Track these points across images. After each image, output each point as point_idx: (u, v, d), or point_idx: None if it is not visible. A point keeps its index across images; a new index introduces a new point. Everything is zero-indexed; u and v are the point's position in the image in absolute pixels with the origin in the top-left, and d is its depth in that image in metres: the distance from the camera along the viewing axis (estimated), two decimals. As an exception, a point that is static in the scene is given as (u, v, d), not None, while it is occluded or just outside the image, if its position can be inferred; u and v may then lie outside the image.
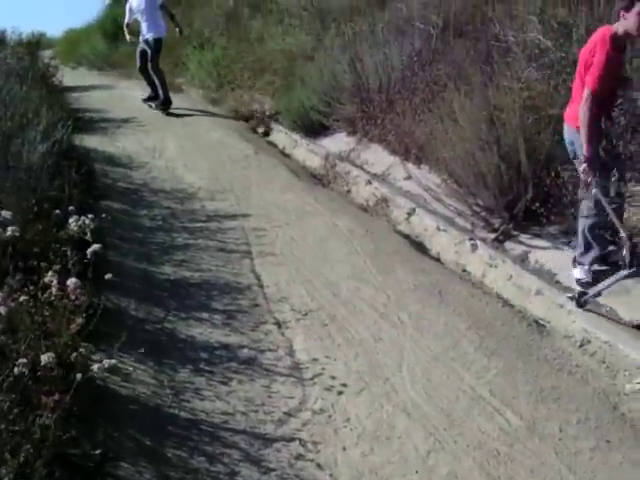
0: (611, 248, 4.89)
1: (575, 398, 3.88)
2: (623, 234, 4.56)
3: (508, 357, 4.29)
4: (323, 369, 4.32)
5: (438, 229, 6.17)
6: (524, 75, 6.36)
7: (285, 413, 3.92)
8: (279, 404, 4.00)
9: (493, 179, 5.68)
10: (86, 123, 10.78)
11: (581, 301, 4.64)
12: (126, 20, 11.58)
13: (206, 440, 3.68)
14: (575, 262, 4.95)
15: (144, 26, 11.18)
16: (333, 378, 4.22)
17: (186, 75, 13.70)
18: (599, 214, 4.69)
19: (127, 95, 13.66)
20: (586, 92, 4.44)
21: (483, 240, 5.77)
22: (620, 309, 4.55)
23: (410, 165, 7.37)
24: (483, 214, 6.02)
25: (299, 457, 3.59)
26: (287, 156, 9.35)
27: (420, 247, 6.11)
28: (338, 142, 8.83)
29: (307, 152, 9.13)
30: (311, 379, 4.23)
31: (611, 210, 4.52)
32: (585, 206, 4.81)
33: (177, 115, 11.45)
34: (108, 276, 3.80)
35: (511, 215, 5.74)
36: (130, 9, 11.35)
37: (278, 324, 4.86)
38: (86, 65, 19.76)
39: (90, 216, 4.13)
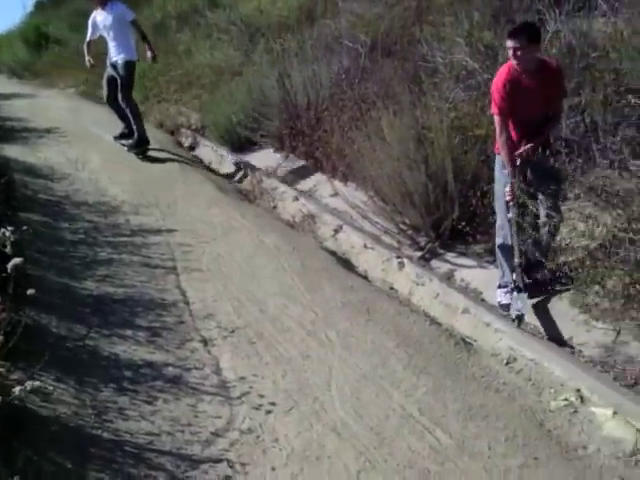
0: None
1: (503, 416, 3.91)
2: (516, 260, 4.74)
3: (437, 375, 4.30)
4: (251, 388, 4.25)
5: (365, 247, 6.18)
6: (451, 96, 6.46)
7: (212, 433, 3.84)
8: (206, 424, 3.92)
9: (420, 198, 5.74)
10: (6, 132, 10.52)
11: (522, 321, 4.72)
12: (87, 37, 9.25)
13: (130, 462, 3.57)
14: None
15: (112, 47, 8.89)
16: (261, 397, 4.16)
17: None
18: (507, 234, 4.85)
19: (50, 105, 13.37)
20: (494, 118, 4.71)
21: (410, 258, 5.81)
22: (544, 327, 4.64)
23: (337, 182, 7.40)
24: (410, 232, 6.08)
25: (227, 479, 3.51)
26: (213, 171, 9.25)
27: (347, 264, 6.10)
28: (265, 158, 8.80)
29: (234, 168, 9.06)
30: (239, 398, 4.15)
31: (515, 233, 4.66)
32: (496, 227, 4.95)
33: (102, 126, 11.17)
34: (31, 291, 3.66)
35: (437, 234, 5.82)
36: (93, 24, 9.05)
37: (204, 341, 4.78)
38: (6, 73, 19.37)
39: (10, 228, 3.99)
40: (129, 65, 8.92)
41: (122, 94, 8.91)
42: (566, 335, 4.54)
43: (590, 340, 4.42)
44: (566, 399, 4.00)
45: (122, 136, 9.58)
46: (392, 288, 5.65)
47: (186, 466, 3.58)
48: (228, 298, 5.38)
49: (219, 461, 3.64)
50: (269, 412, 4.03)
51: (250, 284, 5.60)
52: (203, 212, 7.26)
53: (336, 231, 6.64)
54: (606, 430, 3.74)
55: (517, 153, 4.73)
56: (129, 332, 4.85)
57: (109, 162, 9.10)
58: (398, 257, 5.81)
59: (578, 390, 4.01)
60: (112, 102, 9.20)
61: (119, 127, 9.62)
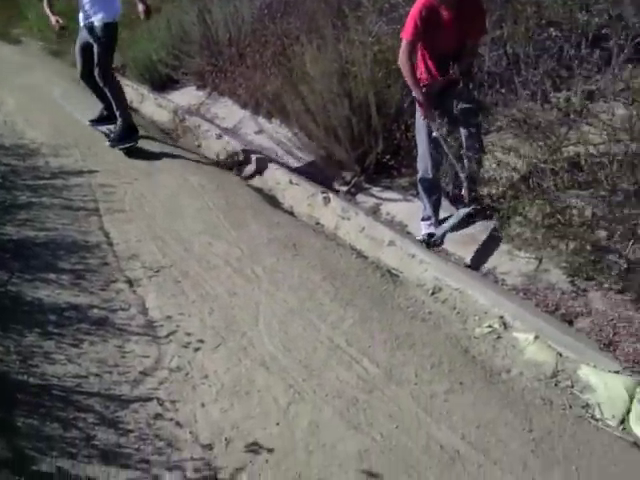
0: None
1: (429, 344, 3.98)
2: (461, 173, 4.79)
3: (363, 307, 4.34)
4: (178, 326, 4.24)
5: (290, 182, 6.14)
6: (375, 29, 6.40)
7: (141, 373, 3.84)
8: (134, 364, 3.91)
9: (344, 132, 5.71)
10: None
11: (430, 242, 4.86)
12: None
13: (59, 405, 3.55)
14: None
15: (85, 4, 6.59)
16: (189, 335, 4.16)
17: (24, 25, 12.94)
18: (427, 167, 4.86)
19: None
20: (403, 43, 4.60)
21: (335, 193, 5.80)
22: (468, 257, 4.71)
23: (261, 119, 7.32)
24: (335, 167, 6.05)
25: (157, 416, 3.53)
26: (134, 110, 9.01)
27: (273, 201, 6.07)
28: (187, 96, 8.66)
29: (155, 106, 8.86)
30: (166, 337, 4.14)
31: (448, 147, 4.68)
32: (417, 160, 4.96)
33: (16, 67, 10.74)
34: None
35: (362, 168, 5.81)
36: None
37: (129, 282, 4.73)
38: None
39: None
40: (109, 28, 6.62)
41: (99, 67, 6.66)
42: (490, 265, 4.61)
43: (513, 269, 4.50)
44: (490, 326, 4.09)
45: (101, 120, 7.50)
46: (318, 223, 5.64)
47: (115, 406, 3.57)
48: (152, 238, 5.31)
49: (149, 400, 3.64)
50: (197, 349, 4.03)
51: (174, 223, 5.54)
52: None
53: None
54: (528, 354, 3.85)
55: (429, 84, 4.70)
56: (52, 276, 4.77)
57: (25, 104, 8.83)
58: (324, 192, 5.78)
59: (501, 317, 4.11)
60: (88, 78, 6.94)
61: (38, 72, 8.97)
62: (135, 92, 9.48)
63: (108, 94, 6.90)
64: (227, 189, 6.16)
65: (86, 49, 6.73)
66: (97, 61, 6.63)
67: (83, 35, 6.73)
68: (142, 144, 7.16)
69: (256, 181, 6.47)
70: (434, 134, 4.70)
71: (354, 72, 5.77)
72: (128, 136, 7.05)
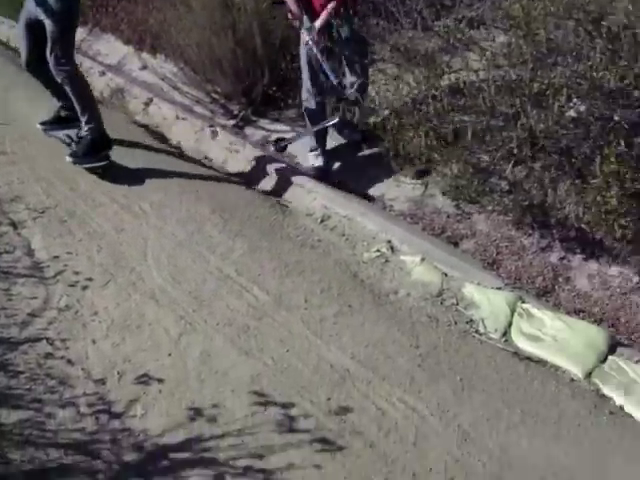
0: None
1: (318, 270, 4.05)
2: (333, 78, 4.73)
3: (252, 237, 4.37)
4: (65, 266, 4.18)
5: (177, 118, 6.05)
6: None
7: (29, 314, 3.78)
8: (21, 306, 3.84)
9: (229, 65, 5.64)
10: None
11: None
12: None
13: (-57, 356, 3.48)
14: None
15: None
16: (77, 274, 4.10)
17: None
18: (310, 94, 4.88)
19: None
20: None
21: (223, 127, 5.76)
22: (354, 185, 4.78)
23: (145, 54, 7.12)
24: (222, 101, 6.01)
25: (48, 356, 3.50)
26: (14, 50, 8.61)
27: (160, 137, 5.96)
28: (67, 33, 8.31)
29: (34, 45, 8.49)
30: (53, 277, 4.08)
31: (320, 55, 4.66)
32: (302, 90, 4.98)
33: None
34: None
35: (249, 100, 5.77)
36: None
37: (13, 224, 4.59)
38: None
39: None
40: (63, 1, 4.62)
41: (54, 54, 4.68)
42: (378, 192, 4.69)
43: (400, 195, 4.61)
44: (378, 250, 4.19)
45: (58, 122, 5.48)
46: (206, 157, 5.59)
47: (4, 349, 3.52)
48: (36, 179, 5.13)
49: (38, 340, 3.60)
50: (86, 287, 3.99)
51: (59, 163, 5.33)
52: (3, 93, 6.79)
53: (147, 104, 6.43)
54: (415, 275, 3.98)
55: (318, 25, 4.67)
56: None
57: None
58: (211, 126, 5.74)
59: (389, 241, 4.23)
60: (37, 67, 4.98)
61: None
62: (11, 31, 9.04)
63: (68, 92, 4.95)
64: (112, 127, 5.94)
65: (34, 27, 4.76)
66: (51, 45, 4.68)
67: (30, 7, 4.73)
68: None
69: (142, 117, 6.34)
70: (306, 39, 4.65)
71: (237, 4, 5.67)
72: (97, 151, 5.10)
